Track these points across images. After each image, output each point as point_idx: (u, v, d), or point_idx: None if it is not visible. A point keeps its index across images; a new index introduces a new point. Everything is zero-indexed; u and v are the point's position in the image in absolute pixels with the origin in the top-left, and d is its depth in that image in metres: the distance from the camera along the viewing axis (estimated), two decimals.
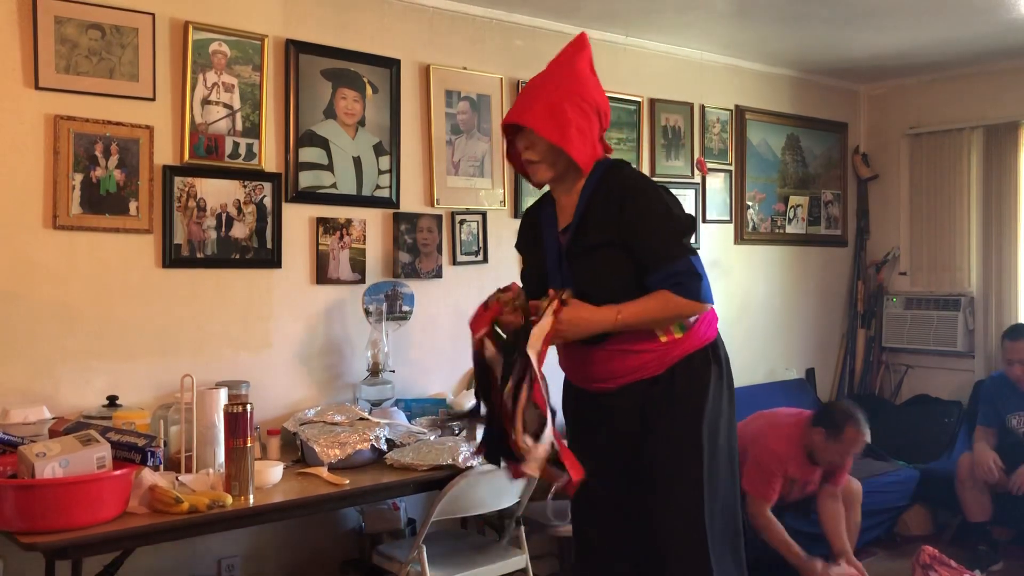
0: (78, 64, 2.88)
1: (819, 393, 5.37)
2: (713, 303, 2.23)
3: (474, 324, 2.26)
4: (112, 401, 2.85)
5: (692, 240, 2.23)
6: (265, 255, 3.30)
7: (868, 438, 3.63)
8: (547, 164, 2.29)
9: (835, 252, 5.58)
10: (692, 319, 2.24)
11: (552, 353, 2.32)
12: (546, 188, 2.43)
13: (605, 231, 2.22)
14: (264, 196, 3.28)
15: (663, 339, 2.22)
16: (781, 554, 3.61)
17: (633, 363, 2.23)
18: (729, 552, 2.26)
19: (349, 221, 3.50)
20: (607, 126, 2.33)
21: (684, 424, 2.21)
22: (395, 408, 3.27)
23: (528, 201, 4.05)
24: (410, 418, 3.26)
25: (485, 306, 2.28)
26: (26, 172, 2.81)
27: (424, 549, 2.80)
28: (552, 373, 2.24)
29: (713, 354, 2.28)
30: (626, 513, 2.27)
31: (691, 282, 2.15)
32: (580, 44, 2.36)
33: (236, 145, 3.22)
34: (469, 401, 3.38)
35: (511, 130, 2.37)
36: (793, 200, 5.29)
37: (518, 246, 2.58)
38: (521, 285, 2.37)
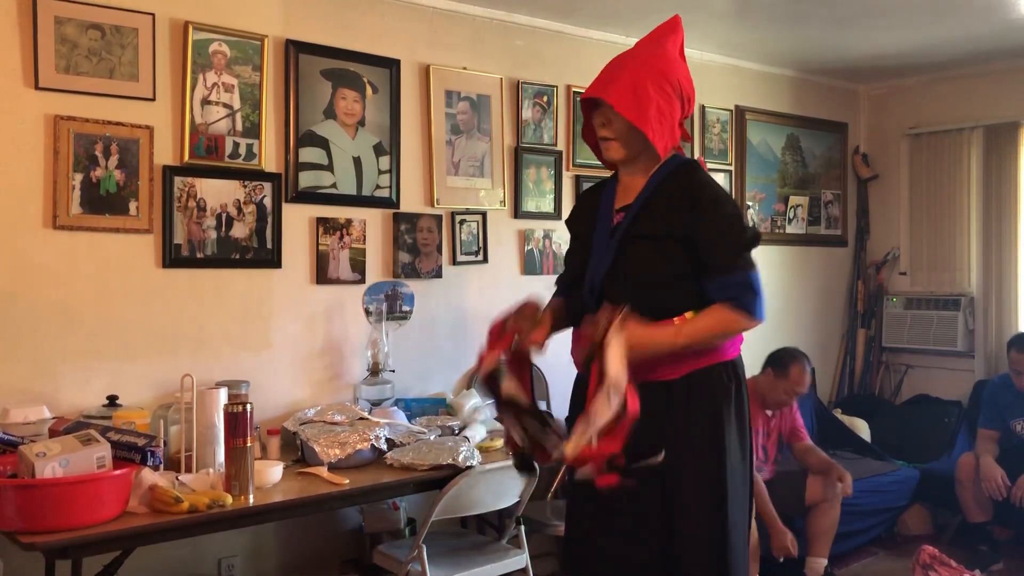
0: (78, 64, 2.88)
1: (819, 393, 5.37)
2: (764, 320, 2.14)
3: (486, 352, 2.14)
4: (112, 401, 2.85)
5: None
6: (265, 255, 3.30)
7: (810, 378, 3.89)
8: (622, 142, 2.20)
9: (835, 252, 5.58)
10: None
11: (564, 344, 2.28)
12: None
13: (670, 222, 2.13)
14: (264, 196, 3.29)
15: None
16: (759, 514, 3.65)
17: (649, 363, 2.11)
18: (744, 561, 2.23)
19: (349, 221, 3.50)
20: (690, 112, 2.26)
21: (707, 435, 2.13)
22: (395, 408, 3.27)
23: (528, 201, 4.06)
24: (410, 418, 3.26)
25: (501, 330, 2.16)
26: (26, 172, 2.82)
27: (424, 549, 2.80)
28: (557, 368, 2.22)
29: (733, 371, 2.21)
30: (646, 519, 2.17)
31: (749, 297, 2.08)
32: (672, 26, 2.29)
33: (236, 145, 3.22)
34: (470, 401, 3.40)
35: (589, 104, 2.27)
36: (793, 200, 5.29)
37: (569, 220, 2.46)
38: (534, 303, 2.24)
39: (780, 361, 3.89)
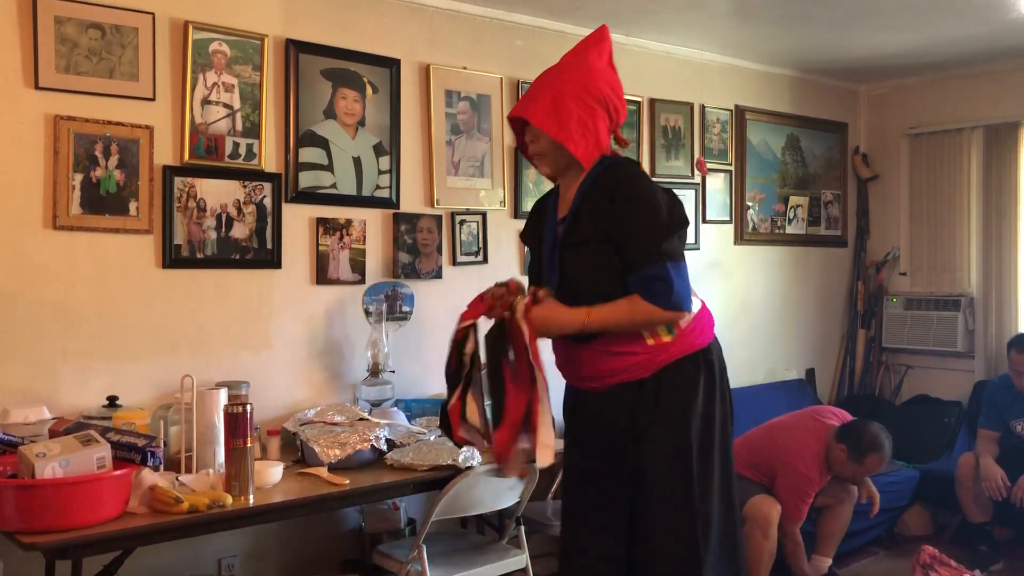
0: (78, 64, 2.88)
1: (819, 393, 5.38)
2: (688, 311, 2.19)
3: (465, 313, 2.29)
4: (112, 401, 2.85)
5: (679, 245, 2.20)
6: (265, 255, 3.29)
7: (886, 463, 3.70)
8: (550, 157, 2.31)
9: (835, 252, 5.58)
10: (683, 323, 2.22)
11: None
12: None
13: (595, 226, 2.21)
14: (264, 196, 3.28)
15: (650, 342, 2.21)
16: (790, 565, 3.69)
17: (619, 364, 2.22)
18: (724, 555, 2.25)
19: (349, 221, 3.50)
20: (621, 120, 2.32)
21: (672, 428, 2.20)
22: (395, 408, 3.27)
23: (528, 201, 4.05)
24: (410, 418, 3.27)
25: (481, 298, 2.31)
26: (26, 172, 2.81)
27: (424, 549, 2.80)
28: (552, 370, 2.26)
29: (705, 360, 2.25)
30: (617, 513, 2.25)
31: (659, 288, 2.13)
32: (598, 37, 2.36)
33: (236, 145, 3.22)
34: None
35: (519, 123, 2.37)
36: (793, 200, 5.29)
37: (522, 235, 2.59)
38: (518, 280, 2.37)
39: (859, 444, 3.61)
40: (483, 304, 2.29)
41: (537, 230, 2.45)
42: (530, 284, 2.45)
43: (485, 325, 2.30)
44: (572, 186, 2.32)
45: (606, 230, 2.19)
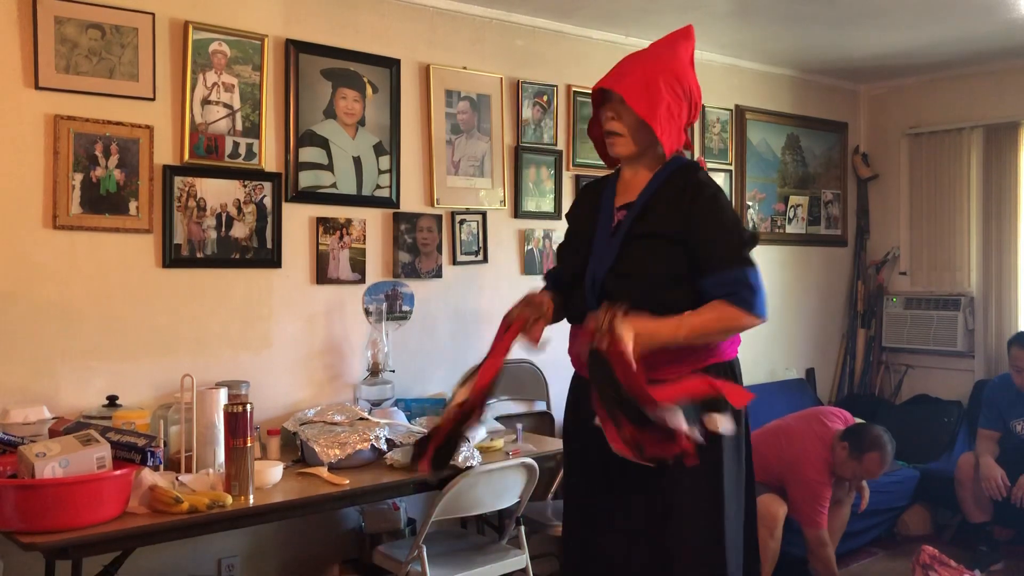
0: (78, 64, 2.88)
1: (819, 393, 5.38)
2: (766, 318, 2.14)
3: (493, 352, 2.16)
4: (112, 401, 2.85)
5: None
6: (265, 255, 3.29)
7: (887, 467, 3.69)
8: (630, 136, 2.19)
9: (835, 252, 5.58)
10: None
11: (562, 340, 2.30)
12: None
13: (669, 222, 2.14)
14: (264, 196, 3.28)
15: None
16: (821, 571, 3.70)
17: (649, 362, 2.10)
18: (744, 565, 2.23)
19: (349, 221, 3.50)
20: (695, 119, 2.27)
21: (704, 444, 2.08)
22: (395, 408, 3.27)
23: (528, 201, 4.06)
24: (410, 418, 3.26)
25: (507, 325, 2.19)
26: (26, 172, 2.81)
27: (424, 549, 2.80)
28: (556, 369, 2.24)
29: (731, 372, 2.22)
30: (632, 515, 2.18)
31: (747, 293, 2.08)
32: (685, 33, 2.30)
33: (236, 145, 3.22)
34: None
35: (599, 98, 2.27)
36: (793, 200, 5.29)
37: (569, 215, 2.46)
38: (542, 297, 2.26)
39: (859, 441, 3.65)
40: (509, 335, 2.16)
41: (589, 213, 2.33)
42: (558, 264, 2.37)
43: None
44: (641, 174, 2.24)
45: (682, 228, 2.13)
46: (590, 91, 2.37)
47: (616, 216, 2.24)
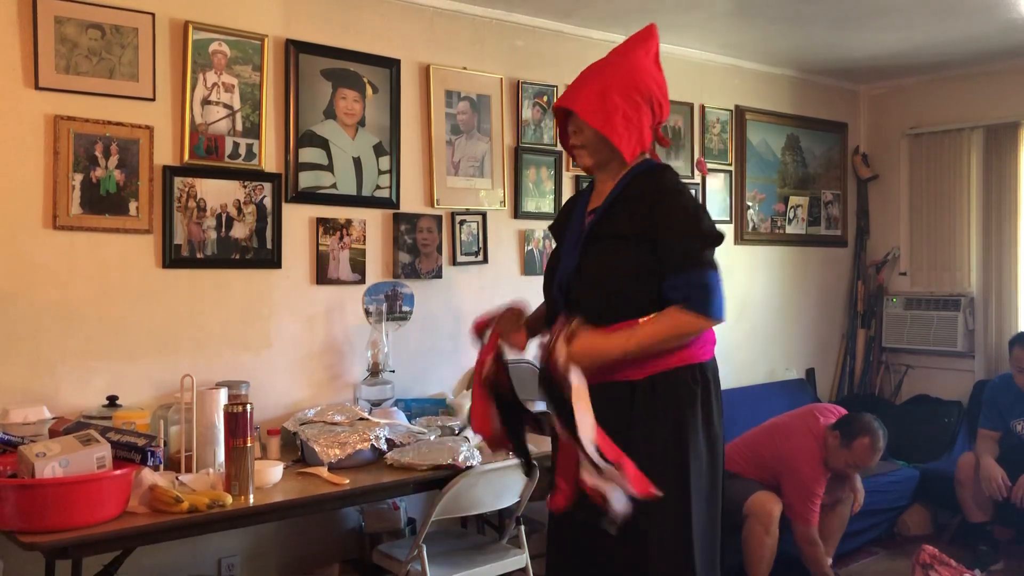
0: (78, 64, 2.88)
1: (819, 393, 5.37)
2: (723, 320, 2.16)
3: (479, 363, 2.29)
4: (112, 401, 2.85)
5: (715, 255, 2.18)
6: (265, 255, 3.30)
7: (878, 455, 3.65)
8: (591, 150, 2.28)
9: (835, 252, 5.58)
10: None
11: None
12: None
13: (631, 224, 2.19)
14: (264, 196, 3.29)
15: None
16: (813, 568, 3.69)
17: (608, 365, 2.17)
18: (711, 568, 2.24)
19: (349, 221, 3.50)
20: (664, 118, 2.31)
21: (670, 447, 2.15)
22: (395, 408, 3.27)
23: (528, 201, 4.06)
24: (410, 418, 3.26)
25: (483, 343, 2.31)
26: (26, 172, 2.82)
27: (424, 549, 2.80)
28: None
29: (701, 374, 2.20)
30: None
31: (700, 296, 2.10)
32: (645, 34, 2.36)
33: (236, 145, 3.22)
34: (469, 401, 3.39)
35: (563, 113, 2.35)
36: (793, 200, 5.29)
37: (551, 227, 2.57)
38: (518, 307, 2.37)
39: (849, 428, 3.63)
40: (488, 347, 2.28)
41: (566, 221, 2.42)
42: (546, 277, 2.42)
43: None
44: (610, 181, 2.30)
45: (643, 229, 2.16)
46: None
47: (585, 220, 2.32)
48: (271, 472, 2.65)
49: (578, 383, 2.04)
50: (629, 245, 2.18)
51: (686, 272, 2.12)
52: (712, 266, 2.14)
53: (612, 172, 2.30)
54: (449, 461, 2.82)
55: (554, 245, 2.51)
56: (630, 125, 2.22)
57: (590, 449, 1.99)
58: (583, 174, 4.21)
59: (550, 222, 4.07)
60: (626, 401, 2.18)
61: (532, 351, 2.34)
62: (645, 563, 2.15)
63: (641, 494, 1.98)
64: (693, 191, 4.64)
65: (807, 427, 3.76)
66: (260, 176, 3.28)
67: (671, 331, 2.12)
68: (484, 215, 3.91)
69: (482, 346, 2.32)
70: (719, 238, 2.19)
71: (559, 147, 4.15)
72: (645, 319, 2.13)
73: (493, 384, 2.27)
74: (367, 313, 3.51)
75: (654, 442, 2.15)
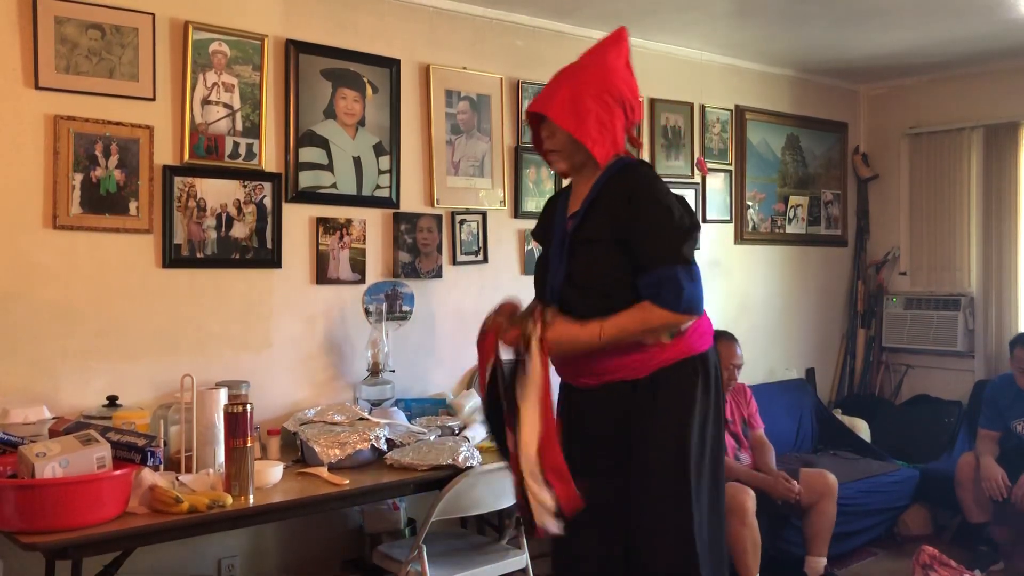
0: (78, 64, 2.88)
1: (819, 393, 5.37)
2: (697, 314, 2.19)
3: (480, 355, 2.32)
4: (112, 401, 2.85)
5: (691, 249, 2.20)
6: (265, 255, 3.30)
7: (739, 349, 3.86)
8: (565, 154, 2.30)
9: (835, 252, 5.58)
10: (683, 326, 2.21)
11: None
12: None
13: (608, 225, 2.21)
14: (264, 196, 3.28)
15: (648, 341, 2.21)
16: (746, 483, 3.69)
17: (615, 363, 2.22)
18: (715, 560, 2.25)
19: (349, 221, 3.50)
20: (637, 120, 2.33)
21: (669, 432, 2.18)
22: (395, 408, 3.27)
23: (528, 201, 4.06)
24: (410, 418, 3.26)
25: (483, 333, 2.32)
26: (26, 172, 2.81)
27: (424, 549, 2.80)
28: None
29: (702, 366, 2.24)
30: (607, 514, 2.22)
31: (670, 292, 2.13)
32: (616, 37, 2.36)
33: (236, 145, 3.22)
34: (470, 401, 3.40)
35: (536, 118, 2.37)
36: (793, 200, 5.29)
37: (534, 233, 2.61)
38: (512, 302, 2.38)
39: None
40: (489, 337, 2.30)
41: (547, 225, 2.46)
42: (536, 282, 2.44)
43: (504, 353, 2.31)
44: (586, 184, 2.32)
45: (619, 229, 2.19)
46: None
47: (567, 225, 2.34)
48: (271, 472, 2.65)
49: (540, 371, 2.12)
50: (611, 248, 2.21)
51: (657, 268, 2.15)
52: (684, 261, 2.16)
53: (587, 175, 2.32)
54: (449, 461, 2.82)
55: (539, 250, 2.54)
56: (603, 128, 2.23)
57: (529, 455, 2.07)
58: None
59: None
60: (628, 400, 2.21)
61: None
62: (652, 559, 2.16)
63: (568, 512, 2.06)
64: (693, 191, 4.65)
65: None
66: (260, 176, 3.28)
67: (640, 325, 2.17)
68: (484, 215, 3.91)
69: (482, 346, 2.33)
70: (694, 228, 2.22)
71: None
72: (618, 313, 2.18)
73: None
74: (367, 313, 3.51)
75: (654, 436, 2.18)
